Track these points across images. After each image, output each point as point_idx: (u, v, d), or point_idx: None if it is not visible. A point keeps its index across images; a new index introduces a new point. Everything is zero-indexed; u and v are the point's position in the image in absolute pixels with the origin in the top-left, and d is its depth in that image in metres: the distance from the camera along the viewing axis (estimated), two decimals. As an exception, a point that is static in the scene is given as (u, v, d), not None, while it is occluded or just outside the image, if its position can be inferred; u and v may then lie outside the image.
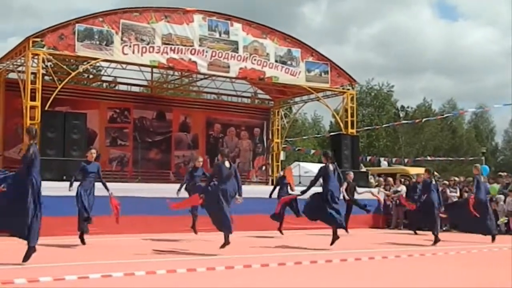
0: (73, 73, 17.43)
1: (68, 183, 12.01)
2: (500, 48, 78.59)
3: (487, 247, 12.44)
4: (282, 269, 8.57)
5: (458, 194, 17.94)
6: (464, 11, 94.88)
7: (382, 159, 32.27)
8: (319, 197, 11.33)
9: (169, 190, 15.78)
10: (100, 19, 16.58)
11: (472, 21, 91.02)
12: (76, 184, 11.78)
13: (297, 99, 24.07)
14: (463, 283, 7.66)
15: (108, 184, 12.64)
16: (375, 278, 8.04)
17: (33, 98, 15.61)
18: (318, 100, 22.01)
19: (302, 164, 30.94)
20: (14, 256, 9.63)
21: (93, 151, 12.32)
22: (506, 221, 16.60)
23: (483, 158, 41.08)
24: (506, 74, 73.14)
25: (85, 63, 18.17)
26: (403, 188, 19.09)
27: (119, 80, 22.15)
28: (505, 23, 79.52)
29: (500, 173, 19.35)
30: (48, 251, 10.54)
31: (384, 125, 40.38)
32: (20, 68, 17.40)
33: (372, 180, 20.75)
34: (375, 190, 18.75)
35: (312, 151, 38.58)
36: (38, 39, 15.75)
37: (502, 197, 16.96)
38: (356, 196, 16.19)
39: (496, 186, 17.53)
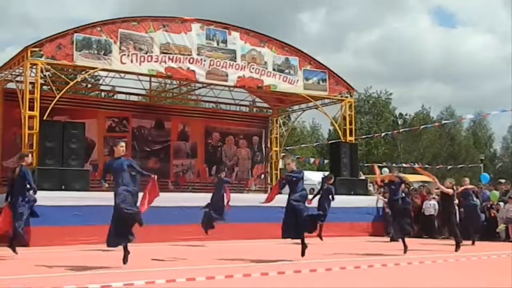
0: (72, 83, 17.42)
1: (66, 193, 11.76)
2: (498, 55, 78.81)
3: (486, 254, 12.43)
4: (282, 278, 8.54)
5: (456, 201, 17.92)
6: (462, 18, 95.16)
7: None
8: None
9: (167, 199, 15.76)
10: (98, 28, 16.60)
11: (470, 28, 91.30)
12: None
13: (295, 107, 24.06)
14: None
15: (107, 193, 12.58)
16: (375, 286, 8.02)
17: (31, 108, 15.60)
18: (316, 108, 22.02)
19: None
20: (14, 266, 9.63)
21: (123, 143, 10.24)
22: (504, 228, 16.58)
23: (481, 165, 41.15)
24: (504, 81, 73.33)
25: (83, 72, 18.17)
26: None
27: (117, 89, 22.16)
28: (504, 30, 79.92)
29: (500, 180, 19.35)
30: (45, 260, 10.52)
31: (383, 133, 40.34)
32: (18, 78, 17.38)
33: (371, 188, 20.74)
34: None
35: (312, 160, 38.60)
36: (36, 49, 15.75)
37: (502, 204, 16.94)
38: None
39: (496, 193, 17.52)
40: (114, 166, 9.79)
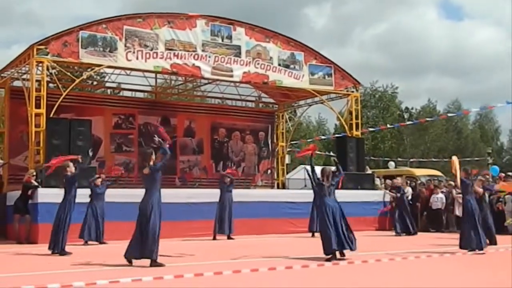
0: (78, 80, 17.46)
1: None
2: (505, 48, 78.33)
3: (494, 247, 12.40)
4: (289, 273, 8.56)
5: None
6: (469, 11, 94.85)
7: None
8: None
9: (174, 195, 15.83)
10: (104, 25, 16.63)
11: (477, 21, 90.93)
12: None
13: (301, 102, 24.01)
14: (468, 284, 7.63)
15: (114, 190, 12.63)
16: (382, 280, 8.02)
17: (38, 106, 15.65)
18: (322, 103, 22.00)
19: (308, 167, 30.89)
20: (22, 263, 9.69)
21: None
22: (512, 222, 16.51)
23: (489, 158, 40.95)
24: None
25: (89, 69, 18.20)
26: (409, 190, 19.05)
27: (123, 86, 22.19)
28: (511, 23, 79.36)
29: (508, 173, 19.27)
30: (53, 257, 10.57)
31: (389, 126, 40.21)
32: (24, 76, 17.45)
33: (378, 182, 20.70)
34: None
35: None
36: (42, 47, 15.79)
37: (510, 197, 16.85)
38: None
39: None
40: None
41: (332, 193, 10.54)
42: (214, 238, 14.93)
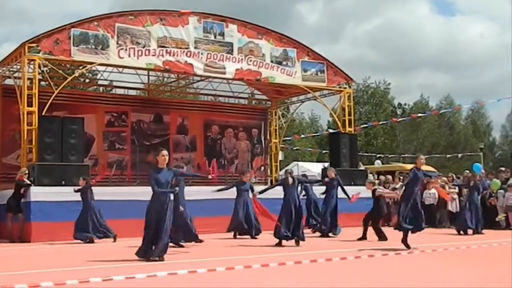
0: (69, 78, 17.40)
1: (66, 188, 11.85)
2: (498, 44, 78.66)
3: (487, 242, 12.46)
4: (282, 269, 8.57)
5: (457, 190, 17.98)
6: (461, 7, 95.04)
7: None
8: None
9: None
10: (95, 23, 16.55)
11: (469, 17, 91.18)
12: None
13: (294, 98, 24.03)
14: (462, 279, 7.66)
15: (107, 188, 12.57)
16: (376, 275, 8.05)
17: (30, 104, 15.58)
18: (315, 100, 22.02)
19: (300, 163, 30.98)
20: (16, 262, 9.66)
21: (165, 152, 9.87)
22: (504, 218, 16.58)
23: (481, 154, 41.14)
24: (504, 69, 73.20)
25: (81, 67, 18.13)
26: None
27: (115, 83, 22.11)
28: (503, 19, 79.75)
29: (500, 168, 19.36)
30: (47, 256, 10.55)
31: (382, 122, 40.23)
32: (16, 74, 17.35)
33: (371, 178, 20.72)
34: None
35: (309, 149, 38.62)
36: (34, 45, 15.71)
37: (502, 192, 16.93)
38: None
39: (498, 181, 17.47)
40: (160, 178, 9.68)
41: (296, 190, 12.62)
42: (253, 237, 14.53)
